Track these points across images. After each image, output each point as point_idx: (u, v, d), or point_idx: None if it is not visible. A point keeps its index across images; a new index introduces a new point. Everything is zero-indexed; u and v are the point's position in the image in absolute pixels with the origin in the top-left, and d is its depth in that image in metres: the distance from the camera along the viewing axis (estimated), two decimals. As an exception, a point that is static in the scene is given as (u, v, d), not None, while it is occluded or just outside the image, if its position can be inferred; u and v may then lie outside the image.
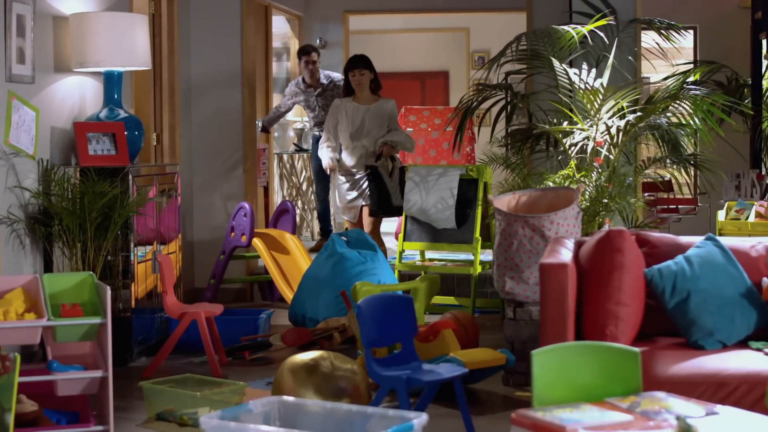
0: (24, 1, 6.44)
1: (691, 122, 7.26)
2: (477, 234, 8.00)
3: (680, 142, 7.26)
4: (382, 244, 8.42)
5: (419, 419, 3.66)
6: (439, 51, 15.90)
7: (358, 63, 8.60)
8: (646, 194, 11.03)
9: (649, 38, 8.47)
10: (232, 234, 8.78)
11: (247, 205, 8.73)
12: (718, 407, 3.57)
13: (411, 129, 12.66)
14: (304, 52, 10.57)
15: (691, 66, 11.66)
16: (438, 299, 8.26)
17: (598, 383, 3.75)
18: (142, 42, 7.09)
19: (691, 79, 11.40)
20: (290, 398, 3.97)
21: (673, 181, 12.77)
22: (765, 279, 4.88)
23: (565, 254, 4.72)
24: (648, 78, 12.11)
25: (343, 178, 8.53)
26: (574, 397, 3.69)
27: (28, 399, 4.94)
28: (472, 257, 8.16)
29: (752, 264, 4.95)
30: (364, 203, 8.47)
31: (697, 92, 7.23)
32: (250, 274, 9.30)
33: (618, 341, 4.59)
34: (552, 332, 4.50)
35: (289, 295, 8.43)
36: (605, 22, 7.49)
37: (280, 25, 12.60)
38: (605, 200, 6.63)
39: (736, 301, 4.80)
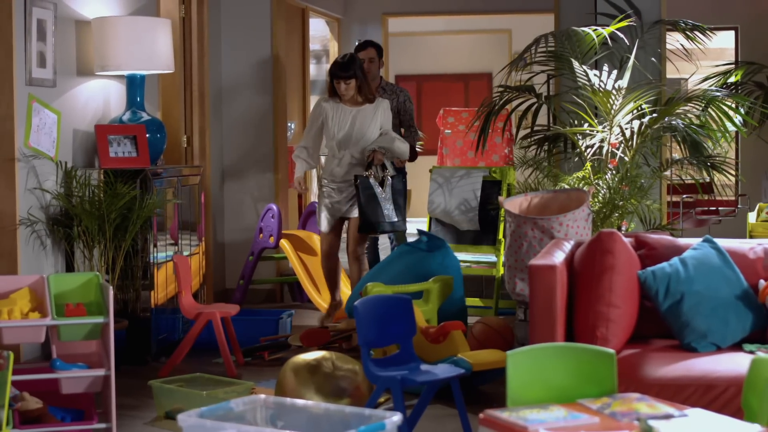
0: (44, 6, 6.56)
1: (713, 124, 7.19)
2: (500, 236, 8.01)
3: (702, 143, 7.20)
4: (361, 263, 7.67)
5: (392, 419, 3.70)
6: (482, 52, 15.90)
7: (343, 72, 7.44)
8: (684, 196, 10.97)
9: (674, 39, 8.40)
10: (261, 235, 8.86)
11: (275, 207, 8.80)
12: (690, 409, 3.57)
13: (450, 131, 12.65)
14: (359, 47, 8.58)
15: (732, 66, 11.60)
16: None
17: (572, 384, 3.76)
18: (165, 45, 7.19)
19: (732, 79, 11.34)
20: (272, 397, 4.02)
21: (716, 182, 12.69)
22: (762, 281, 4.85)
23: (558, 256, 4.73)
24: (685, 79, 12.05)
25: (329, 186, 7.59)
26: (548, 398, 3.71)
27: (33, 396, 5.04)
28: (495, 259, 8.16)
29: (750, 266, 4.93)
30: (352, 215, 7.55)
31: (718, 94, 7.17)
32: (280, 275, 9.37)
33: (609, 343, 4.60)
34: (541, 333, 4.51)
35: (315, 295, 8.49)
36: (625, 24, 7.45)
37: (319, 27, 12.68)
38: (620, 202, 6.60)
39: (731, 303, 4.78)
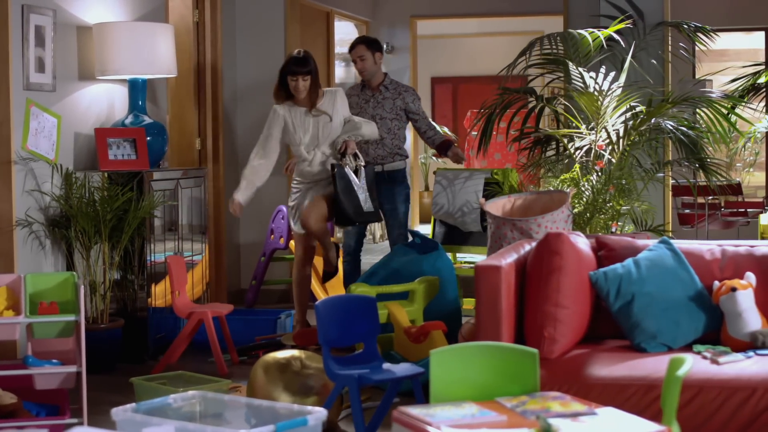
0: (43, 13, 6.73)
1: (713, 125, 7.16)
2: (502, 237, 8.04)
3: (699, 144, 7.15)
4: (327, 236, 7.17)
5: (315, 415, 3.79)
6: (517, 54, 15.90)
7: (301, 67, 6.93)
8: (709, 197, 10.92)
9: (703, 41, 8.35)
10: (272, 237, 8.99)
11: (284, 208, 8.92)
12: (601, 408, 3.62)
13: (476, 133, 12.69)
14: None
15: (762, 67, 11.53)
16: (471, 302, 8.31)
17: (495, 383, 3.83)
18: (166, 50, 7.33)
19: (762, 80, 11.26)
20: (210, 393, 4.13)
21: (744, 184, 12.60)
22: (716, 282, 4.86)
23: (509, 257, 4.78)
24: (711, 80, 11.99)
25: (298, 186, 7.21)
26: (470, 396, 3.77)
27: (7, 392, 5.19)
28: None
29: (706, 267, 4.95)
30: (309, 201, 7.07)
31: (713, 95, 7.15)
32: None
33: (556, 343, 4.65)
34: (486, 333, 4.57)
35: (322, 296, 8.59)
36: (622, 26, 7.46)
37: (348, 30, 12.80)
38: (609, 203, 6.62)
39: (683, 304, 4.80)
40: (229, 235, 9.29)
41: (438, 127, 8.25)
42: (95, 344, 6.64)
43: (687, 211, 11.01)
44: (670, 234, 7.64)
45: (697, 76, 12.04)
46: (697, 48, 8.32)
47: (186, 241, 7.65)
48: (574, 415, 3.53)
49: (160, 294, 7.20)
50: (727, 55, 13.52)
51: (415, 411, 3.56)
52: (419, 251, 7.13)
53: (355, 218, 7.07)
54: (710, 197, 10.87)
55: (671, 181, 10.16)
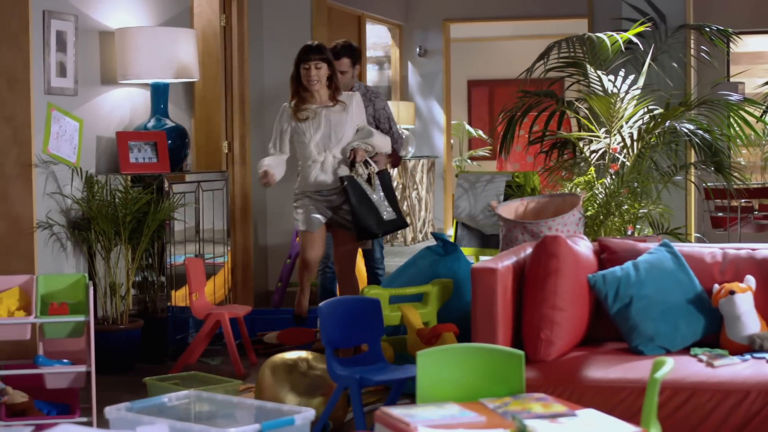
0: (64, 18, 6.84)
1: (733, 128, 7.13)
2: (523, 240, 8.06)
3: (715, 147, 7.13)
4: (353, 282, 6.95)
5: (303, 414, 3.85)
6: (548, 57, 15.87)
7: (315, 54, 6.59)
8: (742, 201, 10.87)
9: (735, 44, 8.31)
10: (297, 239, 9.05)
11: (310, 211, 8.98)
12: (582, 410, 3.64)
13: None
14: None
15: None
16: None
17: (481, 384, 3.85)
18: (187, 54, 7.41)
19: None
20: (204, 393, 4.20)
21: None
22: (716, 285, 4.86)
23: (508, 260, 4.81)
24: (743, 83, 11.92)
25: (303, 201, 6.88)
26: (456, 397, 3.80)
27: (18, 390, 5.29)
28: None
29: (706, 270, 4.94)
30: (339, 229, 6.75)
31: (731, 99, 7.12)
32: (320, 278, 9.55)
33: (553, 345, 4.67)
34: (482, 335, 4.59)
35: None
36: (642, 29, 7.46)
37: (381, 34, 12.87)
38: (624, 206, 6.62)
39: (682, 307, 4.80)
40: (255, 237, 9.38)
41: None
42: (114, 345, 6.75)
43: (720, 214, 10.95)
44: (693, 238, 7.62)
45: (732, 80, 11.97)
46: (730, 50, 8.30)
47: (208, 243, 7.74)
48: (553, 417, 3.55)
49: (181, 296, 7.29)
50: (764, 57, 13.44)
51: (396, 411, 3.59)
52: (443, 253, 7.16)
53: (377, 230, 6.66)
54: (743, 200, 10.82)
55: (703, 185, 10.15)
